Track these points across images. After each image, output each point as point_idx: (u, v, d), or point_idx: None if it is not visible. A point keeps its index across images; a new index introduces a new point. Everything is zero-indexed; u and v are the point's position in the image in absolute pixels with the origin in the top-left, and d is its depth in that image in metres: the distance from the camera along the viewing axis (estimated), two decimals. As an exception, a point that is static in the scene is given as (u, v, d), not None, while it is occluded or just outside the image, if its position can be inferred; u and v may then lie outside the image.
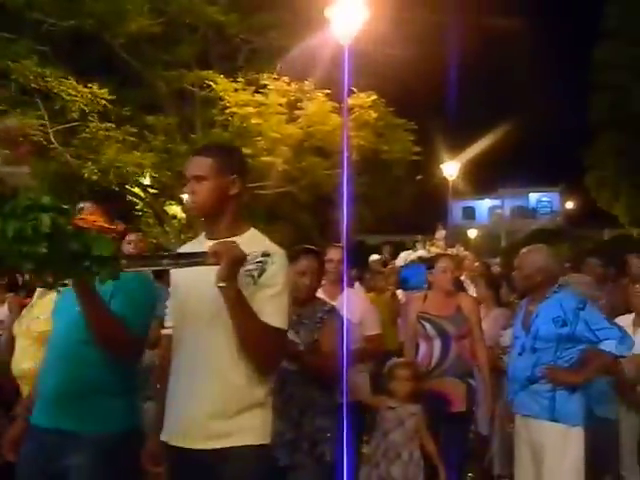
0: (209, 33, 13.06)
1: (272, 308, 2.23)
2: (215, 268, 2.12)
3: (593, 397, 4.00)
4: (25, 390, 3.25)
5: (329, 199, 13.31)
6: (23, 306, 4.08)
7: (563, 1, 47.62)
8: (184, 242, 3.42)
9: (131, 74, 13.30)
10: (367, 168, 13.52)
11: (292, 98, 12.14)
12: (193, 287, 2.28)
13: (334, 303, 4.02)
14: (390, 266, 9.70)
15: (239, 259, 2.14)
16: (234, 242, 2.18)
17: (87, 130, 11.67)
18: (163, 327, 2.76)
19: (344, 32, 8.68)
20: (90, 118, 11.61)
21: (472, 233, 37.52)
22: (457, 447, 4.28)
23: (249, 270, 2.21)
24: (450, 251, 10.84)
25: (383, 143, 13.13)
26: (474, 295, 6.04)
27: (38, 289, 3.51)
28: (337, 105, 11.46)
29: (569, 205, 44.06)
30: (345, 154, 9.29)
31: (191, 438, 2.22)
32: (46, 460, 2.42)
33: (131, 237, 4.97)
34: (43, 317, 3.13)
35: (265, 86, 11.99)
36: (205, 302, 2.22)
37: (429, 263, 4.86)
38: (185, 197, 11.31)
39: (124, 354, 2.47)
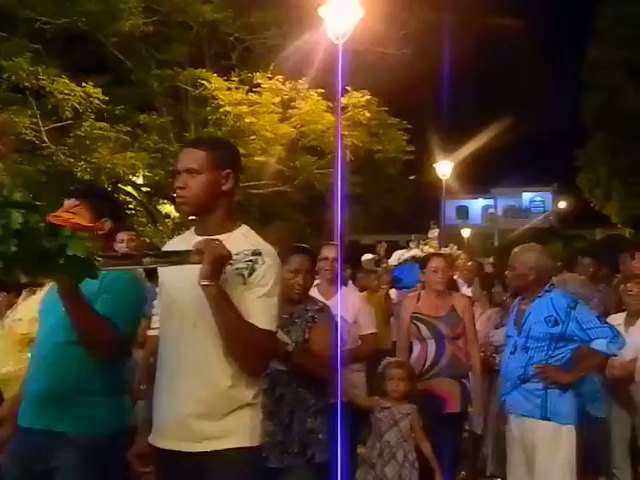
0: (203, 32, 13.03)
1: (260, 309, 2.16)
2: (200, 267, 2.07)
3: (585, 396, 4.01)
4: (7, 393, 3.20)
5: (323, 198, 13.32)
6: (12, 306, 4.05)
7: (557, 1, 47.79)
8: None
9: (124, 73, 13.27)
10: (361, 167, 13.54)
11: (286, 97, 12.15)
12: (179, 286, 2.22)
13: (329, 302, 4.00)
14: (384, 265, 9.71)
15: (223, 257, 2.08)
16: (218, 240, 2.12)
17: (80, 129, 11.63)
18: (149, 328, 2.74)
19: (338, 31, 8.67)
20: (83, 117, 11.57)
21: (465, 233, 37.56)
22: (451, 447, 4.27)
23: (239, 269, 2.15)
24: (443, 250, 10.85)
25: (377, 142, 13.16)
26: (467, 294, 6.05)
27: (24, 291, 3.48)
28: (331, 104, 11.47)
29: (562, 205, 44.16)
30: (339, 153, 9.30)
31: (180, 441, 2.17)
32: (33, 461, 2.39)
33: (123, 236, 4.96)
34: (26, 319, 3.07)
35: (259, 85, 11.99)
36: (191, 302, 2.16)
37: (422, 263, 4.86)
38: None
39: (109, 354, 2.43)
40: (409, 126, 13.63)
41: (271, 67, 12.27)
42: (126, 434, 2.44)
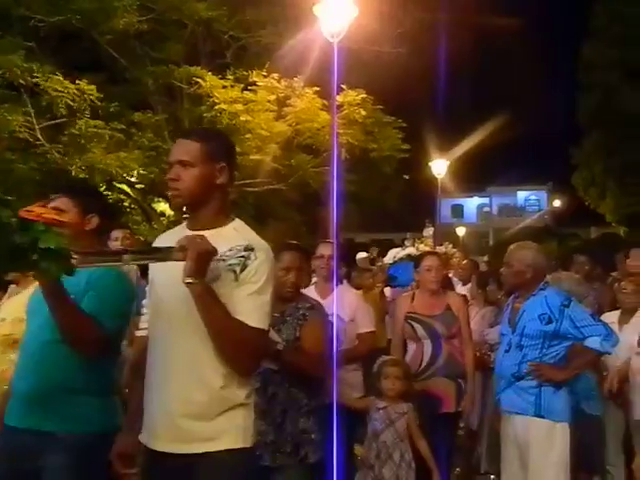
0: (197, 30, 13.00)
1: (251, 306, 2.09)
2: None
3: (578, 393, 4.02)
4: None
5: (318, 197, 13.31)
6: None
7: (552, 0, 47.85)
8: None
9: (119, 71, 13.23)
10: (356, 166, 13.53)
11: (281, 95, 12.13)
12: (168, 284, 2.16)
13: (326, 300, 3.97)
14: (379, 264, 9.71)
15: (207, 253, 2.02)
16: (202, 236, 2.06)
17: (74, 127, 11.60)
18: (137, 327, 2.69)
19: (333, 29, 8.67)
20: (77, 115, 11.53)
21: (460, 231, 37.63)
22: (446, 446, 4.26)
23: (231, 265, 2.10)
24: (438, 249, 10.86)
25: (372, 141, 13.16)
26: (462, 293, 6.05)
27: (9, 290, 3.44)
28: (326, 102, 11.47)
29: (557, 203, 44.31)
30: (334, 151, 9.29)
31: (171, 442, 2.12)
32: (19, 459, 2.37)
33: (117, 234, 4.95)
34: (9, 319, 3.01)
35: (254, 83, 11.98)
36: (180, 300, 2.09)
37: (416, 262, 4.85)
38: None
39: (95, 352, 2.39)
40: (404, 124, 13.63)
41: (266, 65, 12.25)
42: (115, 434, 2.40)
